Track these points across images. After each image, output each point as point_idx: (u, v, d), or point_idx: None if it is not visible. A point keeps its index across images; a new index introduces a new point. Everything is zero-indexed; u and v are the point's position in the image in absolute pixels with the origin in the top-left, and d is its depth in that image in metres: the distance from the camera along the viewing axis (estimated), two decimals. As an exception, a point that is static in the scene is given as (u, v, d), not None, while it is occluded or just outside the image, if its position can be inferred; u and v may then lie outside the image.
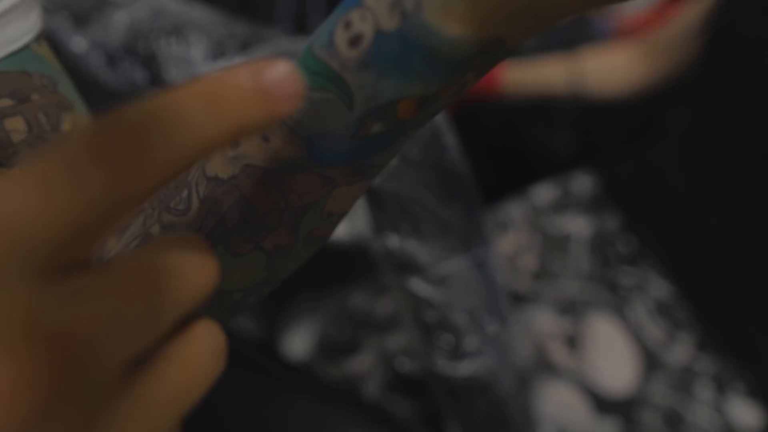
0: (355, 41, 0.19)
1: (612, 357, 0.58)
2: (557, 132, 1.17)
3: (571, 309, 0.61)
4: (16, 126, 0.28)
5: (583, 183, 0.71)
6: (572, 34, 1.34)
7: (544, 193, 0.72)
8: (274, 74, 0.14)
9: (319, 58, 0.19)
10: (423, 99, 0.19)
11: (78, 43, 0.44)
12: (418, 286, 0.40)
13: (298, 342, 0.82)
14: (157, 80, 0.41)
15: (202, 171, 0.23)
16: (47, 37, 0.34)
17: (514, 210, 0.71)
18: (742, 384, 0.56)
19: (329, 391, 0.55)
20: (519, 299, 0.63)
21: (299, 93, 0.14)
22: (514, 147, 1.08)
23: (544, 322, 0.61)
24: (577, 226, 0.67)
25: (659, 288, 0.61)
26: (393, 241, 0.39)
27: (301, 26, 1.44)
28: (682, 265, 0.61)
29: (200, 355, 0.15)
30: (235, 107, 0.14)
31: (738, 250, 0.59)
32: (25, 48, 0.28)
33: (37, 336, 0.11)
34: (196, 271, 0.15)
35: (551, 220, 0.69)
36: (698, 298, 0.59)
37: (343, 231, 0.76)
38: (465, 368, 0.44)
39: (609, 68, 0.80)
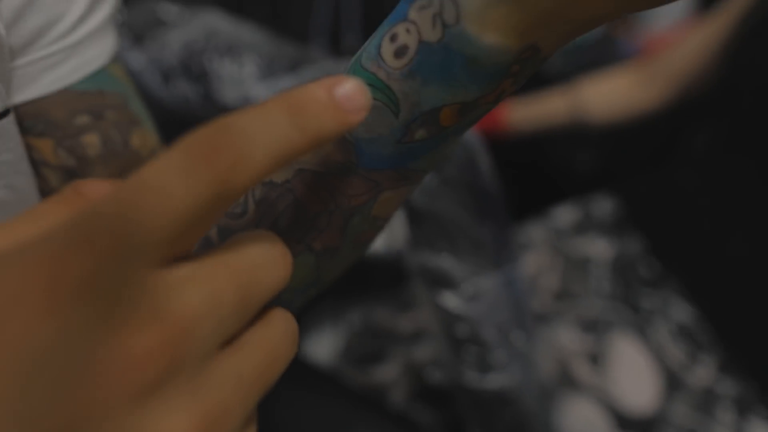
0: (400, 53, 0.20)
1: (633, 375, 0.59)
2: (579, 151, 1.18)
3: (594, 327, 0.62)
4: (92, 141, 0.30)
5: (604, 206, 0.72)
6: (599, 54, 1.35)
7: (565, 214, 0.73)
8: (345, 88, 0.16)
9: (367, 69, 0.21)
10: (464, 106, 0.21)
11: (135, 60, 0.47)
12: (449, 300, 0.42)
13: (323, 348, 0.84)
14: (209, 97, 0.44)
15: None
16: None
17: (535, 231, 0.72)
18: (763, 407, 0.56)
19: (354, 396, 0.57)
20: (541, 318, 0.64)
21: (367, 104, 0.17)
22: (536, 165, 1.09)
23: (567, 339, 0.62)
24: (599, 248, 0.68)
25: (681, 311, 0.62)
26: (428, 257, 0.41)
27: (335, 43, 1.47)
28: (705, 289, 0.62)
29: (279, 338, 0.17)
30: (315, 118, 0.16)
31: (761, 273, 0.60)
32: (103, 69, 0.31)
33: (159, 316, 0.13)
34: (276, 263, 0.17)
35: (573, 242, 0.70)
36: (721, 321, 0.60)
37: (378, 244, 0.78)
38: (491, 381, 0.46)
39: (609, 95, 0.81)
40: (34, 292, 0.12)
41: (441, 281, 0.41)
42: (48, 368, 0.12)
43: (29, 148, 0.30)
